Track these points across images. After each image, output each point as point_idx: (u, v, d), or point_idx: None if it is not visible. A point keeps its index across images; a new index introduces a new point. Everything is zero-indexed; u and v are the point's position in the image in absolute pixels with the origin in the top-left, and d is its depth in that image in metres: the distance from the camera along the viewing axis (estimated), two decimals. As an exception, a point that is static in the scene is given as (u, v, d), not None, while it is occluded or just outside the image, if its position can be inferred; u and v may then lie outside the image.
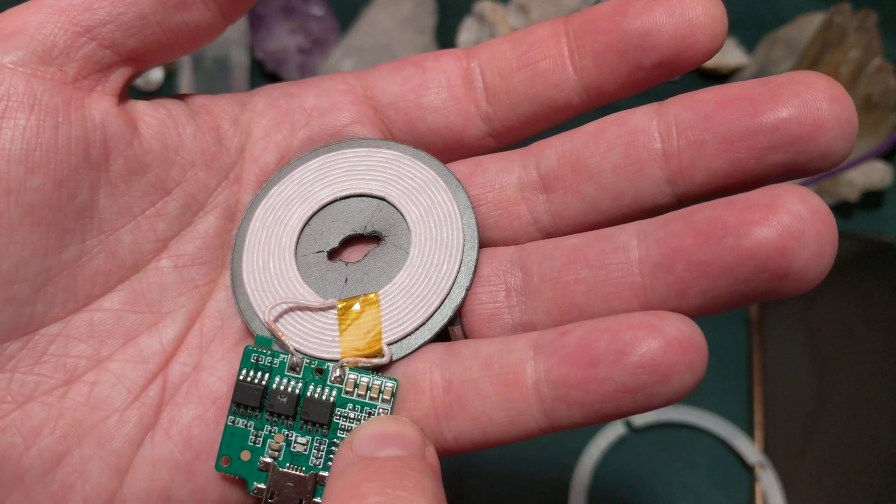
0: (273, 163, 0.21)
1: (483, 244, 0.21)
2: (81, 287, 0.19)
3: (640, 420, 0.40)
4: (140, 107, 0.20)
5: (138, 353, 0.20)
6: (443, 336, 0.20)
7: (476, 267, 0.20)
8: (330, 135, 0.22)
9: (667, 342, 0.17)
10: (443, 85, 0.21)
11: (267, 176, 0.21)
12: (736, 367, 0.42)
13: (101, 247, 0.19)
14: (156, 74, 0.49)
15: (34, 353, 0.18)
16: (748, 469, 0.40)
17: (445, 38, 0.52)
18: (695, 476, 0.40)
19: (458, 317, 0.20)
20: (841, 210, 0.47)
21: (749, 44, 0.51)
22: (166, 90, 0.50)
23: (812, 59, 0.44)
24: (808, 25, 0.47)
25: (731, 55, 0.51)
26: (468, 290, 0.20)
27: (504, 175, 0.21)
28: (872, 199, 0.47)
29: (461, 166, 0.21)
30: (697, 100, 0.18)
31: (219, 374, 0.20)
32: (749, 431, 0.40)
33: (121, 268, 0.19)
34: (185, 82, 0.47)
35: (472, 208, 0.21)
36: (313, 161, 0.21)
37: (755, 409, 0.40)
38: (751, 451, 0.39)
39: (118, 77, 0.19)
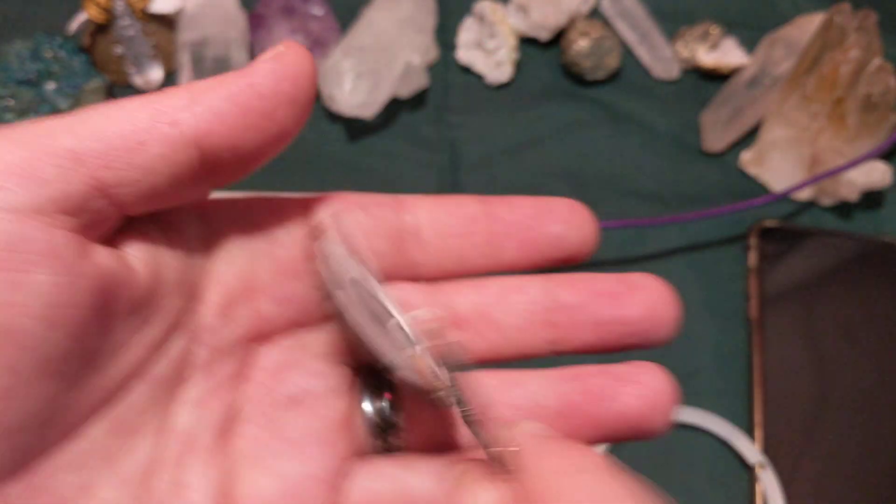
0: None
1: None
2: (71, 423, 0.19)
3: (640, 420, 0.40)
4: (135, 244, 0.20)
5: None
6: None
7: None
8: None
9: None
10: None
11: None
12: (736, 367, 0.42)
13: (95, 385, 0.19)
14: (156, 74, 0.49)
15: (30, 488, 0.18)
16: (748, 469, 0.40)
17: (445, 38, 0.52)
18: (695, 476, 0.40)
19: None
20: (841, 210, 0.47)
21: (749, 44, 0.51)
22: (166, 90, 0.50)
23: (812, 59, 0.44)
24: (808, 25, 0.47)
25: (731, 55, 0.51)
26: None
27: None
28: (872, 199, 0.47)
29: None
30: (577, 287, 0.23)
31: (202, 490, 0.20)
32: (749, 431, 0.40)
33: (107, 400, 0.19)
34: (185, 82, 0.47)
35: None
36: None
37: (755, 409, 0.40)
38: (751, 451, 0.39)
39: (117, 223, 0.19)
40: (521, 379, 0.23)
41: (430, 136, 0.49)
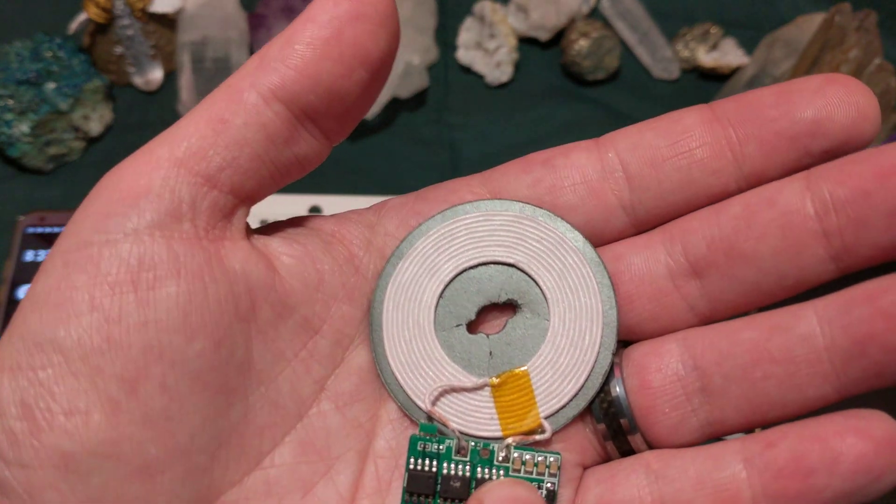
0: None
1: (639, 337, 0.21)
2: (251, 445, 0.18)
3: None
4: (273, 245, 0.19)
5: None
6: (623, 447, 0.20)
7: (617, 328, 0.20)
8: None
9: (877, 444, 0.17)
10: (578, 181, 0.20)
11: None
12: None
13: (264, 400, 0.19)
14: (156, 74, 0.49)
15: None
16: None
17: (445, 38, 0.52)
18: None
19: (636, 426, 0.20)
20: (841, 210, 0.47)
21: (749, 44, 0.51)
22: (166, 89, 0.50)
23: (812, 60, 0.44)
24: (808, 25, 0.47)
25: (730, 55, 0.51)
26: (615, 353, 0.20)
27: (652, 266, 0.20)
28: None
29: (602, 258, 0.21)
30: (850, 174, 0.18)
31: None
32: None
33: (285, 418, 0.19)
34: (184, 82, 0.47)
35: (602, 264, 0.20)
36: (432, 232, 0.21)
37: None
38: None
39: (240, 218, 0.19)
40: (785, 321, 0.19)
41: (430, 136, 0.49)
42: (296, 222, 0.20)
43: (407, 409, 0.20)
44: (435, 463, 0.20)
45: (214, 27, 0.47)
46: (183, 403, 0.17)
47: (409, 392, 0.20)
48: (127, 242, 0.17)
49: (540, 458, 0.20)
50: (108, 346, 0.16)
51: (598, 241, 0.21)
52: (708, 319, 0.20)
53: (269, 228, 0.20)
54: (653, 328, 0.20)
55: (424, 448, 0.20)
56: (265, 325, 0.18)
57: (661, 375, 0.19)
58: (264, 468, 0.19)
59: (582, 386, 0.20)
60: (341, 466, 0.19)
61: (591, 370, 0.20)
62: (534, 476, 0.20)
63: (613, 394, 0.20)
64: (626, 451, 0.20)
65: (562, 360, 0.20)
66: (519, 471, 0.20)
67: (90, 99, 0.47)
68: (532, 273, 0.21)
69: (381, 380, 0.20)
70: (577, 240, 0.20)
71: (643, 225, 0.20)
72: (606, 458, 0.20)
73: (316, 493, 0.19)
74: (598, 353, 0.20)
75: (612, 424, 0.20)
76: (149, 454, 0.17)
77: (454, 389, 0.20)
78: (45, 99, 0.46)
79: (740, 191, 0.19)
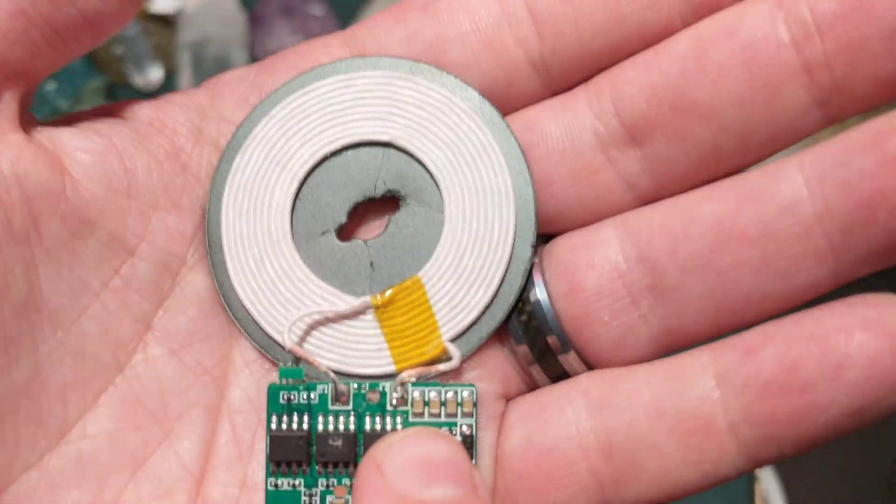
0: None
1: (562, 229, 0.16)
2: (50, 412, 0.14)
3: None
4: (63, 139, 0.15)
5: (155, 484, 0.15)
6: (554, 370, 0.16)
7: (536, 212, 0.16)
8: None
9: (894, 340, 0.13)
10: (468, 30, 0.15)
11: None
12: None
13: (63, 349, 0.14)
14: (155, 74, 0.49)
15: None
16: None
17: None
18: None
19: (567, 342, 0.15)
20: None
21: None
22: (166, 89, 0.50)
23: None
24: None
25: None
26: (535, 246, 0.16)
27: (575, 134, 0.15)
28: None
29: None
30: None
31: None
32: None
33: (97, 371, 0.15)
34: (185, 83, 0.47)
35: (508, 127, 0.16)
36: (275, 110, 0.16)
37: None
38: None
39: (9, 104, 0.14)
40: (759, 185, 0.15)
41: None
42: (99, 111, 0.16)
43: (265, 347, 0.16)
44: (306, 418, 0.15)
45: (214, 27, 0.47)
46: None
47: (265, 325, 0.16)
48: None
49: (449, 395, 0.15)
50: None
51: (502, 108, 0.16)
52: (651, 200, 0.15)
53: (60, 120, 0.15)
54: (580, 217, 0.16)
55: (289, 400, 0.15)
56: (56, 246, 0.14)
57: (597, 273, 0.15)
58: (72, 441, 0.14)
59: (495, 294, 0.16)
60: (184, 429, 0.15)
61: (506, 272, 0.16)
62: (442, 420, 0.15)
63: (534, 301, 0.15)
64: (558, 375, 0.16)
65: (465, 262, 0.16)
66: (422, 414, 0.15)
67: (90, 99, 0.47)
68: (415, 151, 0.16)
69: (227, 312, 0.16)
70: (472, 98, 0.16)
71: (558, 84, 0.16)
72: (533, 386, 0.16)
73: (150, 467, 0.15)
74: (513, 247, 0.16)
75: (537, 343, 0.15)
76: None
77: (326, 317, 0.16)
78: (45, 99, 0.46)
79: (687, 27, 0.15)
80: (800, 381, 0.13)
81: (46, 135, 0.15)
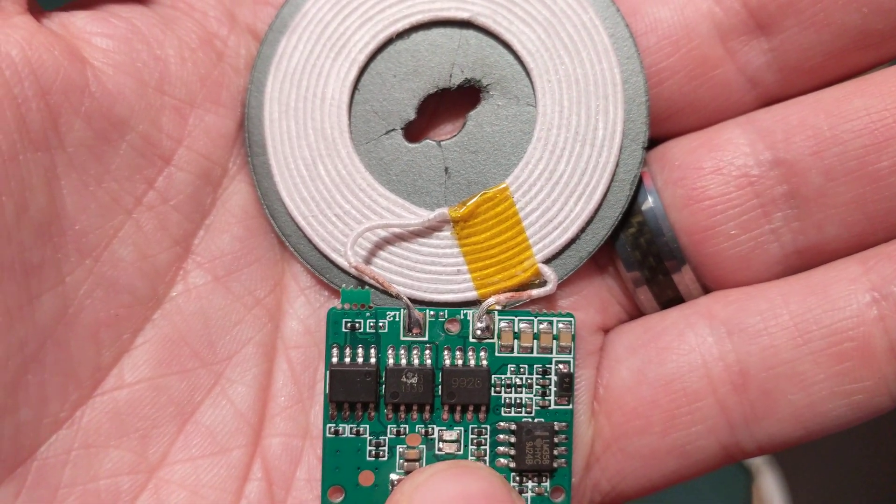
0: None
1: (675, 132, 0.14)
2: (81, 359, 0.12)
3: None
4: (78, 23, 0.12)
5: (208, 438, 0.13)
6: (665, 294, 0.14)
7: (649, 106, 0.13)
8: None
9: None
10: None
11: None
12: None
13: (93, 280, 0.12)
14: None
15: (41, 490, 0.11)
16: (748, 470, 0.40)
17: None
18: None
19: (684, 258, 0.13)
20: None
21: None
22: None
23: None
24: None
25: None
26: (646, 148, 0.13)
27: (690, 19, 0.13)
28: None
29: None
30: None
31: None
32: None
33: (132, 306, 0.12)
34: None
35: (614, 5, 0.13)
36: None
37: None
38: (756, 456, 0.39)
39: None
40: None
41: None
42: None
43: (319, 270, 0.13)
44: (373, 351, 0.13)
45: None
46: None
47: (320, 242, 0.13)
48: None
49: (543, 325, 0.13)
50: None
51: None
52: (778, 100, 0.13)
53: (70, 5, 0.13)
54: (693, 120, 0.14)
55: (353, 328, 0.13)
56: (80, 152, 0.12)
57: (722, 179, 0.13)
58: (107, 392, 0.12)
59: (598, 206, 0.13)
60: (236, 371, 0.13)
61: (612, 179, 0.13)
62: (534, 355, 0.13)
63: (646, 210, 0.13)
64: (669, 299, 0.13)
65: (562, 167, 0.13)
66: (510, 348, 0.13)
67: None
68: (500, 31, 0.13)
69: (275, 230, 0.13)
70: None
71: None
72: (638, 314, 0.14)
73: (200, 419, 0.12)
74: (620, 149, 0.13)
75: (647, 260, 0.13)
76: None
77: (393, 234, 0.13)
78: None
79: None
80: None
81: (57, 21, 0.12)
